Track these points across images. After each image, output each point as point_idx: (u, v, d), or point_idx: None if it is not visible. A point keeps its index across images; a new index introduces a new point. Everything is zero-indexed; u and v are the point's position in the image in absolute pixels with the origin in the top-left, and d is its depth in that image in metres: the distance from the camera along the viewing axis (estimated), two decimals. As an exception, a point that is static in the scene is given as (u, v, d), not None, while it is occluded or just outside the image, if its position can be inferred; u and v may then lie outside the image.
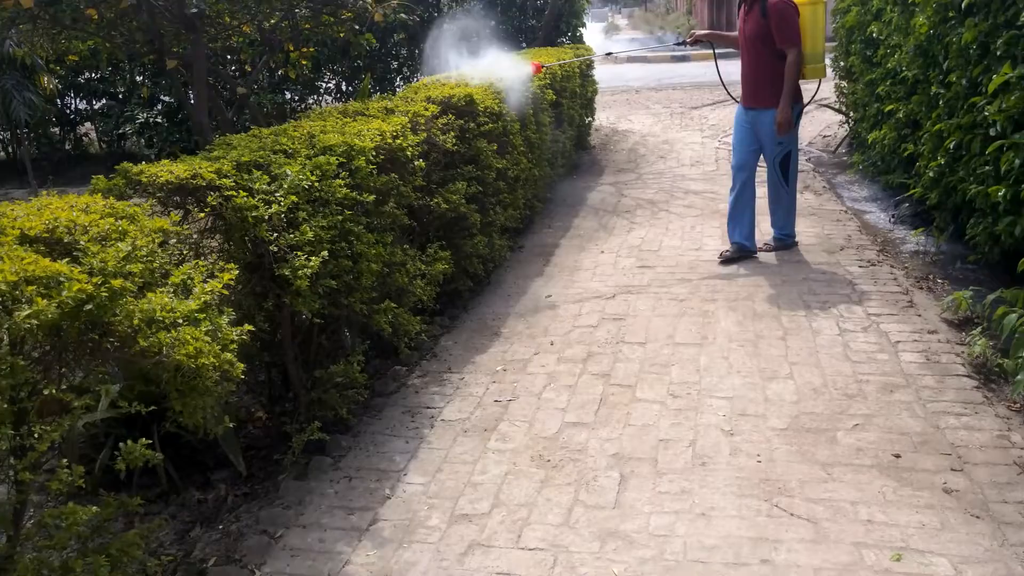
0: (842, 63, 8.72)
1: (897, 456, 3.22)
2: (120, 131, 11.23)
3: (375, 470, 3.37)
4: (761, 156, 5.67)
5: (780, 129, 5.33)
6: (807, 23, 5.24)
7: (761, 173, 5.76)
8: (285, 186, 3.14)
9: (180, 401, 2.30)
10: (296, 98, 10.87)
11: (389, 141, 3.92)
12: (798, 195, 7.09)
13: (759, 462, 3.24)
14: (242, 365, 2.37)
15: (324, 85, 11.22)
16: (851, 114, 8.77)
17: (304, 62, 6.69)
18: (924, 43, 5.37)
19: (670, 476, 3.19)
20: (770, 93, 5.35)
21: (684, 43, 6.00)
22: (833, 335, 4.34)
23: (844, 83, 8.84)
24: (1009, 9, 4.12)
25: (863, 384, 3.80)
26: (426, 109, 4.57)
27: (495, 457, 3.41)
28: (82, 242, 2.13)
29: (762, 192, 5.79)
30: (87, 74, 11.06)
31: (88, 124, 11.79)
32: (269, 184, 3.14)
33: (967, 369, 3.89)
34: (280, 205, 3.05)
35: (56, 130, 11.44)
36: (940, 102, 5.10)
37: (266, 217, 3.00)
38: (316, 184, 3.26)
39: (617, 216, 7.07)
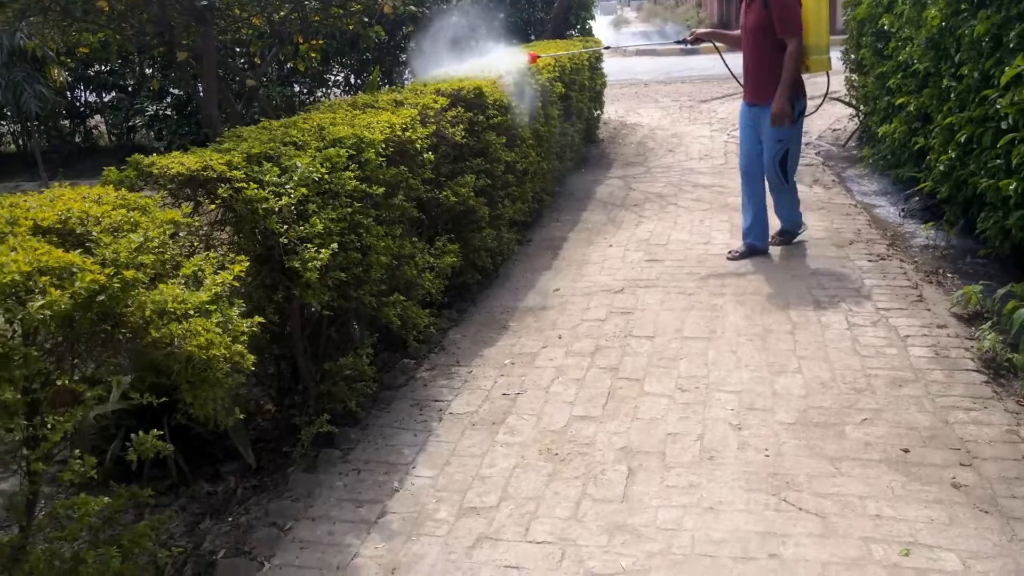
0: (853, 56, 8.69)
1: (906, 451, 3.21)
2: (130, 124, 11.26)
3: (384, 463, 3.38)
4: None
5: (774, 120, 5.17)
6: (810, 13, 5.12)
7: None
8: (295, 178, 3.14)
9: (191, 393, 2.31)
10: (305, 91, 10.88)
11: (399, 134, 3.92)
12: (807, 189, 7.10)
13: (767, 456, 3.24)
14: (252, 357, 2.38)
15: (333, 78, 11.23)
16: (861, 107, 8.74)
17: (313, 55, 6.69)
18: (936, 36, 5.33)
19: (678, 470, 3.19)
20: (773, 88, 5.19)
21: (685, 41, 5.87)
22: (842, 329, 4.33)
23: (855, 76, 8.80)
24: (1022, 1, 4.10)
25: (872, 378, 3.79)
26: (435, 102, 4.57)
27: (503, 450, 3.41)
28: (94, 233, 2.14)
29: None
30: (97, 67, 11.10)
31: (98, 117, 11.83)
32: (279, 176, 3.15)
33: (976, 364, 3.88)
34: (290, 197, 3.06)
35: (66, 123, 11.48)
36: (951, 95, 5.08)
37: (276, 209, 3.01)
38: (326, 176, 3.27)
39: (625, 210, 7.06)
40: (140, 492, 2.38)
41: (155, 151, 3.03)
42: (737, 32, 5.64)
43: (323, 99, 10.61)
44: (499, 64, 5.88)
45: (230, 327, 2.33)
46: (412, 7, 8.64)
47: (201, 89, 5.47)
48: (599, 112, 10.16)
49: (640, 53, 20.16)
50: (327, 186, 3.29)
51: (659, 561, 2.68)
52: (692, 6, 32.81)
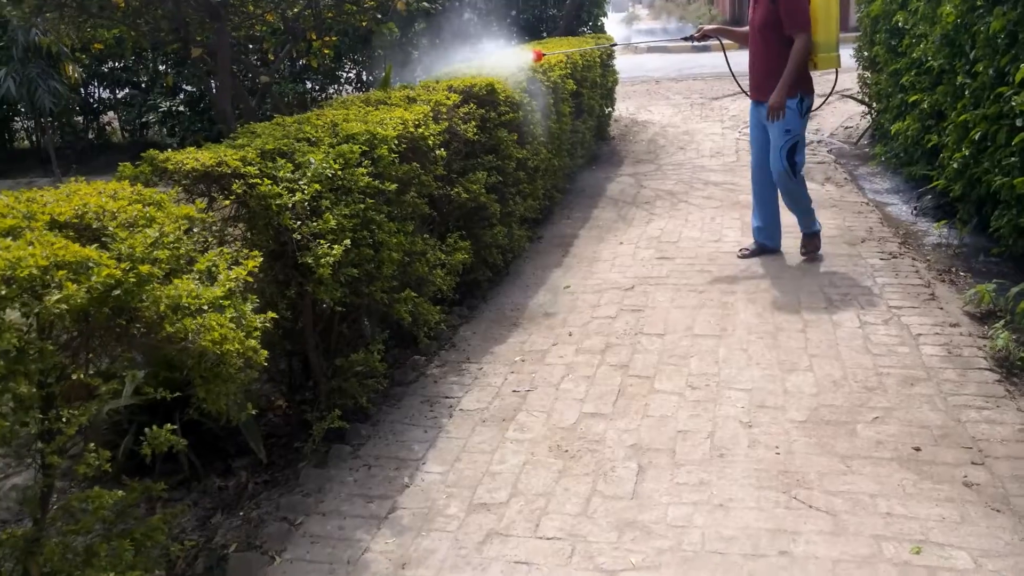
0: (866, 53, 8.64)
1: (917, 449, 3.21)
2: (143, 120, 11.30)
3: (394, 459, 3.40)
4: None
5: (770, 112, 5.10)
6: (819, 10, 5.02)
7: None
8: (309, 174, 3.16)
9: (204, 388, 2.32)
10: (316, 87, 10.90)
11: (411, 130, 3.93)
12: (819, 187, 7.08)
13: (778, 454, 3.23)
14: (265, 352, 2.40)
15: (344, 75, 11.24)
16: (874, 105, 8.69)
17: (326, 51, 6.70)
18: (951, 32, 5.30)
19: (688, 467, 3.19)
20: (776, 84, 5.12)
21: (692, 38, 5.79)
22: (853, 327, 4.32)
23: (867, 73, 8.76)
24: (1038, -1, 4.08)
25: (883, 377, 3.78)
26: (447, 98, 4.58)
27: (513, 447, 3.42)
28: (110, 228, 2.15)
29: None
30: (110, 63, 11.14)
31: (111, 113, 11.88)
32: (293, 172, 3.16)
33: (989, 363, 3.87)
34: (304, 193, 3.08)
35: (79, 119, 11.53)
36: (966, 92, 5.05)
37: (290, 205, 3.02)
38: (339, 172, 3.28)
39: (636, 207, 7.06)
40: (153, 486, 2.39)
41: (168, 147, 3.04)
42: (745, 29, 5.57)
43: (335, 96, 10.63)
44: (510, 61, 5.87)
45: (243, 322, 2.34)
46: (425, 3, 8.64)
47: (215, 85, 5.49)
48: (610, 109, 10.14)
49: (651, 50, 20.10)
50: (340, 182, 3.30)
51: (669, 558, 2.69)
52: (704, 3, 32.68)
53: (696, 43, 5.84)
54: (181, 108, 10.73)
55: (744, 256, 5.51)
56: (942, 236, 5.78)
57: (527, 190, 5.78)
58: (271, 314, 2.50)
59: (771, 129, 5.24)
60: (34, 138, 11.60)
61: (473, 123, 4.71)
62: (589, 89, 8.04)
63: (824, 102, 5.77)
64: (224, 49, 4.88)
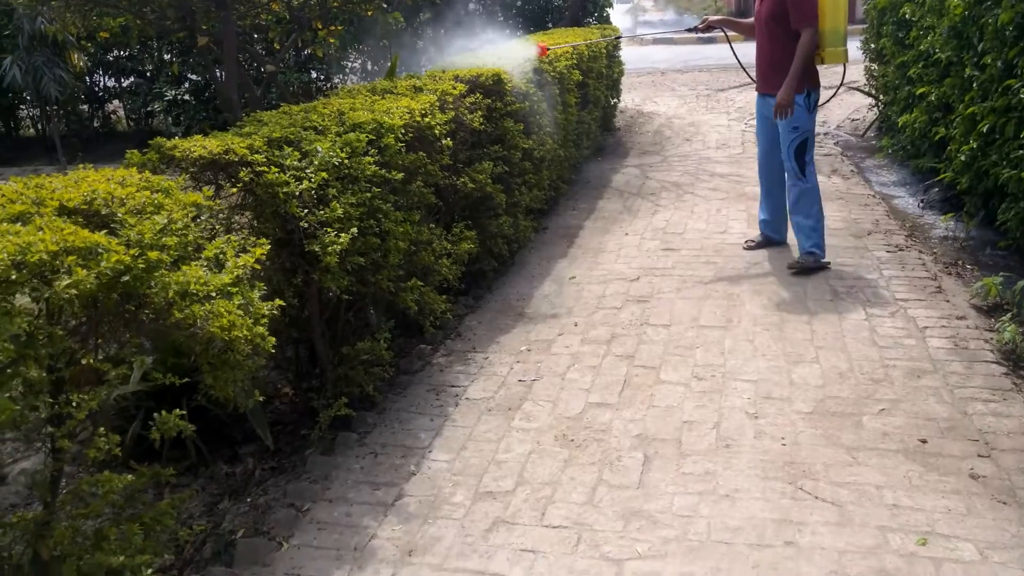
0: (873, 45, 8.60)
1: (923, 441, 3.21)
2: (148, 109, 11.31)
3: (400, 447, 3.40)
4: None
5: (778, 110, 4.95)
6: (827, 2, 4.91)
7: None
8: (315, 162, 3.16)
9: (212, 374, 2.33)
10: (322, 77, 10.89)
11: (418, 119, 3.93)
12: (825, 179, 7.05)
13: (784, 445, 3.24)
14: (273, 339, 2.40)
15: (350, 64, 11.22)
16: (881, 97, 8.66)
17: (332, 40, 6.69)
18: (959, 24, 5.28)
19: (694, 458, 3.19)
20: (784, 78, 4.97)
21: (696, 29, 5.67)
22: (860, 320, 4.32)
23: (874, 65, 8.72)
24: (1048, -10, 4.06)
25: (890, 369, 3.78)
26: (454, 88, 4.57)
27: (519, 436, 3.43)
28: (119, 214, 2.16)
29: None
30: (116, 52, 11.14)
31: (116, 102, 11.89)
32: (300, 160, 3.16)
33: (996, 355, 3.86)
34: (311, 181, 3.08)
35: (85, 107, 11.54)
36: (974, 85, 5.03)
37: (297, 193, 3.03)
38: (346, 161, 3.28)
39: (642, 198, 7.05)
40: (162, 471, 2.40)
41: (173, 136, 3.04)
42: (750, 20, 5.49)
43: (340, 86, 10.61)
44: (516, 52, 5.86)
45: (251, 309, 2.35)
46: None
47: (221, 75, 5.48)
48: (616, 100, 10.12)
49: (657, 41, 20.04)
50: (347, 171, 3.30)
51: (675, 547, 2.69)
52: (710, -6, 32.51)
53: (701, 35, 5.74)
54: (186, 97, 10.73)
55: (750, 248, 5.50)
56: (949, 229, 5.76)
57: (533, 180, 5.78)
58: (278, 301, 2.51)
59: (779, 127, 5.12)
60: (40, 126, 11.61)
61: (479, 113, 4.71)
62: (595, 80, 8.03)
63: (833, 96, 5.72)
64: (230, 38, 4.88)
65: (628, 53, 11.81)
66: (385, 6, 5.52)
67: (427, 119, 4.01)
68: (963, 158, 5.22)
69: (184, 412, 2.30)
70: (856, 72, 9.67)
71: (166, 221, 2.20)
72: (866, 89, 9.34)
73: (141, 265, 2.00)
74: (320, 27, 5.98)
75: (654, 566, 2.61)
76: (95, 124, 11.72)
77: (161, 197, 2.34)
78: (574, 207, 6.90)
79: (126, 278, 1.98)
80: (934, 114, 6.12)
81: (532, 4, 11.18)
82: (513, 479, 3.13)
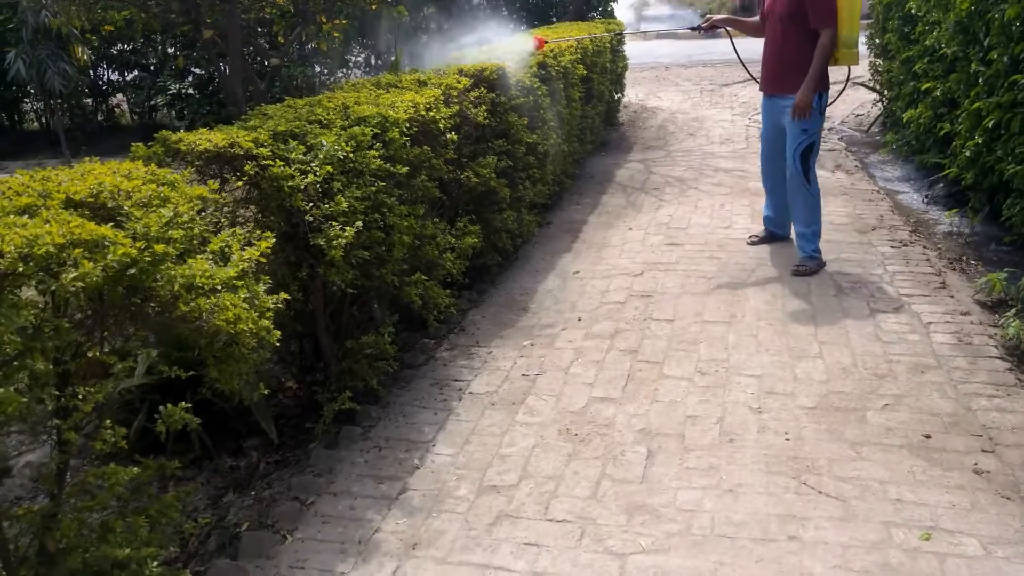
0: (878, 40, 8.58)
1: (927, 437, 3.20)
2: (152, 102, 11.31)
3: (404, 440, 3.41)
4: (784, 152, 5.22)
5: (796, 112, 4.84)
6: (843, 4, 4.79)
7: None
8: (321, 156, 3.16)
9: (217, 367, 2.33)
10: (325, 71, 10.88)
11: (423, 113, 3.93)
12: (829, 175, 7.04)
13: (787, 440, 3.24)
14: (278, 332, 2.40)
15: (353, 58, 11.22)
16: (886, 92, 8.64)
17: (336, 35, 6.69)
18: (965, 19, 5.26)
19: (698, 452, 3.19)
20: (798, 78, 4.87)
21: (699, 28, 5.56)
22: (863, 315, 4.31)
23: (879, 61, 8.70)
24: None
25: (894, 364, 3.78)
26: (458, 82, 4.57)
27: (523, 430, 3.43)
28: (125, 207, 2.16)
29: None
30: (120, 45, 11.14)
31: (120, 95, 11.89)
32: (305, 154, 3.16)
33: (1000, 351, 3.86)
34: (316, 175, 3.08)
35: (89, 101, 11.55)
36: (980, 80, 5.01)
37: (301, 187, 3.03)
38: (351, 155, 3.28)
39: (645, 193, 7.04)
40: (167, 464, 2.41)
41: (176, 130, 3.04)
42: (755, 19, 5.37)
43: (344, 80, 10.61)
44: (520, 46, 5.85)
45: (256, 303, 2.34)
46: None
47: (225, 68, 5.48)
48: (620, 95, 10.11)
49: (661, 36, 20.01)
50: (352, 165, 3.30)
51: (678, 541, 2.70)
52: (714, -11, 32.42)
53: (704, 33, 5.63)
54: (190, 91, 10.73)
55: (753, 243, 5.49)
56: (953, 224, 5.75)
57: (537, 175, 5.77)
58: (283, 295, 2.51)
59: (788, 128, 5.01)
60: (44, 120, 11.62)
61: (484, 107, 4.70)
62: (599, 74, 8.01)
63: (840, 93, 5.68)
64: (235, 31, 4.88)
65: (632, 48, 11.78)
66: (389, 0, 5.51)
67: (432, 113, 4.00)
68: (968, 154, 5.21)
69: (189, 405, 2.30)
70: (861, 67, 9.65)
71: (172, 214, 2.20)
72: (871, 84, 9.32)
73: (147, 258, 2.00)
74: (324, 21, 5.98)
75: (658, 560, 2.62)
76: (99, 118, 11.73)
77: (167, 190, 2.34)
78: (578, 202, 6.90)
79: (132, 271, 1.98)
80: (939, 109, 6.11)
81: (536, -2, 11.17)
82: (517, 473, 3.13)
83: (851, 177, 7.15)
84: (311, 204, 3.07)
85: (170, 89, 10.61)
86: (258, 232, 2.78)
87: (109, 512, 2.27)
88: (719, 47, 16.72)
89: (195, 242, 2.30)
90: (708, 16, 5.61)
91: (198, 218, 2.39)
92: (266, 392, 2.83)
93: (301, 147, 3.18)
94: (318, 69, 10.72)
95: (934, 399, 3.47)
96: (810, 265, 4.96)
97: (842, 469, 3.03)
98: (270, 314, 2.38)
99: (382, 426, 3.52)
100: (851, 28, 4.85)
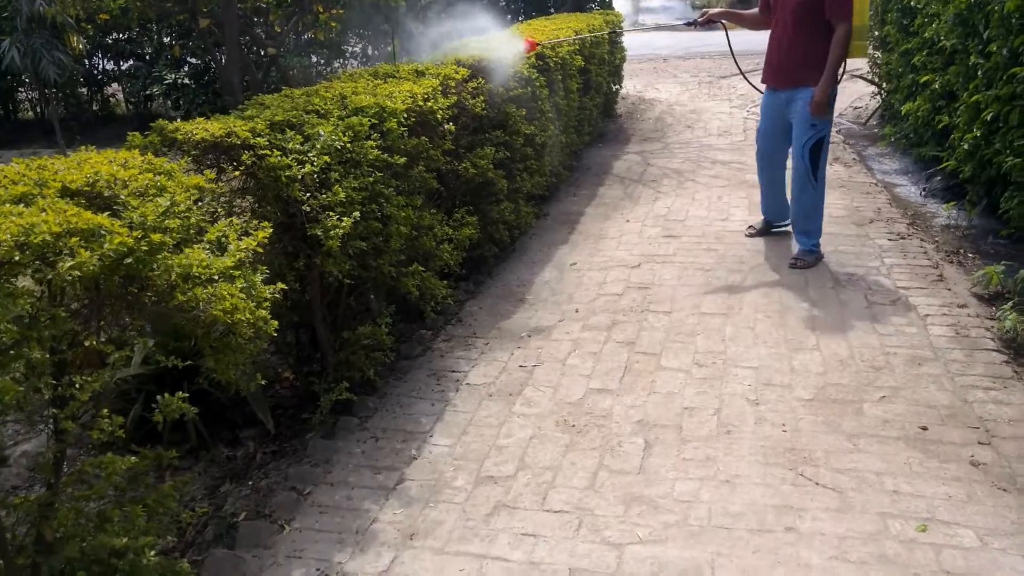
0: (876, 33, 8.57)
1: (924, 428, 3.21)
2: (147, 92, 11.26)
3: (401, 431, 3.41)
4: (785, 147, 5.18)
5: (815, 108, 4.72)
6: None
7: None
8: (318, 146, 3.14)
9: (214, 357, 2.32)
10: (322, 61, 10.83)
11: (420, 104, 3.91)
12: (828, 167, 7.01)
13: (784, 431, 3.24)
14: (275, 322, 2.40)
15: (350, 49, 11.17)
16: (884, 85, 8.64)
17: (333, 24, 6.66)
18: (964, 11, 5.25)
19: (695, 443, 3.20)
20: (810, 72, 4.74)
21: (695, 23, 5.44)
22: (861, 307, 4.32)
23: (878, 53, 8.69)
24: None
25: (891, 356, 3.78)
26: (456, 72, 4.55)
27: (520, 421, 3.43)
28: (122, 196, 2.15)
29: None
30: (115, 34, 11.08)
31: (115, 85, 11.83)
32: (302, 144, 3.15)
33: (997, 344, 3.86)
34: (313, 165, 3.06)
35: (84, 90, 11.49)
36: (979, 73, 5.01)
37: (299, 177, 3.01)
38: (348, 145, 3.27)
39: (643, 185, 7.03)
40: (164, 453, 2.40)
41: (172, 120, 3.02)
42: (753, 11, 5.29)
43: (340, 70, 10.56)
44: (515, 39, 5.83)
45: (253, 293, 2.34)
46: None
47: (221, 57, 5.45)
48: (618, 87, 10.09)
49: (659, 28, 19.96)
50: (349, 155, 3.29)
51: (675, 532, 2.70)
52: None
53: (700, 28, 5.46)
54: (186, 80, 10.68)
55: (751, 235, 5.48)
56: (951, 217, 5.76)
57: (534, 166, 5.76)
58: (280, 285, 2.50)
59: (797, 123, 4.88)
60: (38, 109, 11.56)
61: (482, 98, 4.69)
62: (597, 66, 7.99)
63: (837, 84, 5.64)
64: (231, 20, 4.85)
65: (630, 39, 11.75)
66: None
67: (429, 103, 3.99)
68: (966, 146, 5.21)
69: (186, 395, 2.30)
70: (859, 60, 9.63)
71: (169, 204, 2.19)
72: (869, 77, 9.30)
73: (144, 247, 1.99)
74: (321, 10, 5.95)
75: (655, 551, 2.62)
76: (94, 107, 11.67)
77: (164, 179, 2.33)
78: (575, 193, 6.89)
79: (129, 260, 1.97)
80: (938, 102, 6.11)
81: (534, -11, 11.13)
82: (514, 464, 3.13)
83: (849, 170, 7.14)
84: (308, 194, 3.06)
85: (166, 79, 10.56)
86: (255, 222, 2.78)
87: (106, 501, 2.27)
88: (717, 39, 16.69)
89: (192, 232, 2.29)
90: (705, 10, 5.50)
91: (195, 208, 2.38)
92: (263, 382, 2.83)
93: (298, 137, 3.17)
94: (315, 59, 10.67)
95: (931, 391, 3.48)
96: (808, 259, 4.95)
97: (839, 461, 3.03)
98: (267, 304, 2.38)
99: (379, 417, 3.52)
100: (862, 20, 4.72)
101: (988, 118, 4.79)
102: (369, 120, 3.45)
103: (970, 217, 5.55)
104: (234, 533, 2.80)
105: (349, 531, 2.80)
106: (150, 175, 2.32)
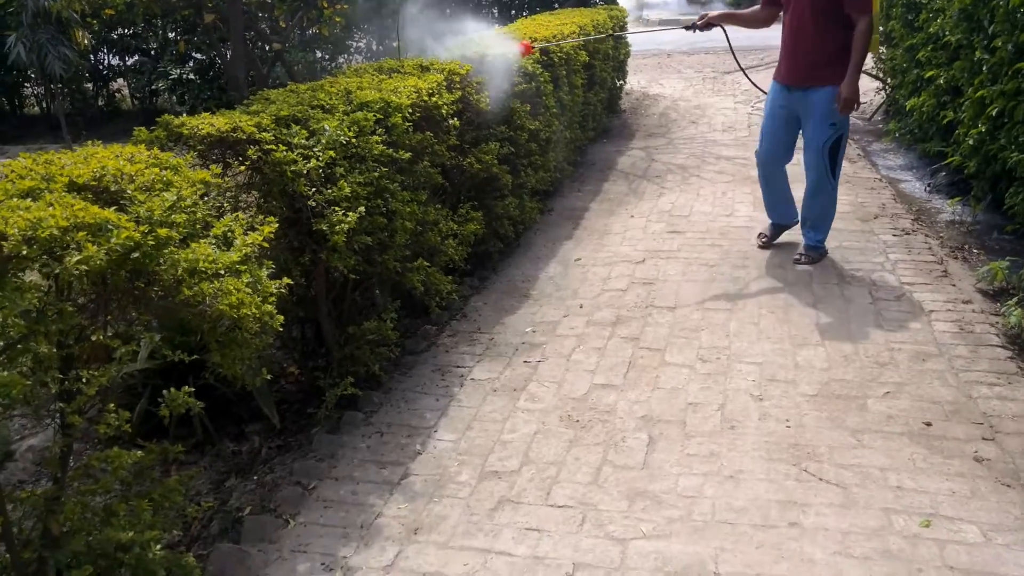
0: (881, 28, 8.54)
1: (928, 424, 3.21)
2: (152, 87, 11.28)
3: (406, 426, 3.42)
4: (789, 150, 5.01)
5: (846, 105, 4.55)
6: None
7: (793, 169, 5.13)
8: (323, 141, 3.15)
9: (220, 352, 2.33)
10: (327, 57, 10.84)
11: (425, 99, 3.92)
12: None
13: (788, 427, 3.24)
14: (281, 317, 2.40)
15: (355, 44, 11.17)
16: (888, 80, 8.62)
17: (338, 19, 6.66)
18: (969, 7, 5.24)
19: (699, 439, 3.20)
20: (829, 69, 4.57)
21: (694, 27, 5.22)
22: (865, 303, 4.32)
23: (883, 48, 8.67)
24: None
25: (895, 352, 3.78)
26: (461, 67, 4.55)
27: (524, 416, 3.44)
28: (129, 191, 2.16)
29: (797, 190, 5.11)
30: (120, 30, 11.10)
31: (120, 80, 11.85)
32: (307, 139, 3.15)
33: (1001, 340, 3.86)
34: (318, 160, 3.07)
35: (89, 86, 11.51)
36: (984, 68, 4.99)
37: (304, 172, 3.02)
38: (353, 140, 3.27)
39: (647, 181, 7.03)
40: (170, 448, 2.41)
41: (178, 115, 3.03)
42: (752, 11, 5.15)
43: (345, 65, 10.57)
44: (516, 36, 5.82)
45: (259, 288, 2.34)
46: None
47: (227, 52, 5.46)
48: (622, 82, 10.06)
49: (663, 23, 19.92)
50: (354, 150, 3.30)
51: (679, 527, 2.71)
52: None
53: (699, 31, 5.29)
54: (191, 76, 10.69)
55: (764, 245, 5.20)
56: (956, 213, 5.75)
57: (539, 162, 5.76)
58: (286, 280, 2.51)
59: (814, 122, 4.72)
60: (44, 104, 11.59)
61: (486, 93, 4.68)
62: (601, 61, 7.98)
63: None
64: (236, 16, 4.86)
65: (634, 34, 11.72)
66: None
67: (434, 99, 3.99)
68: (971, 142, 5.20)
69: (192, 390, 2.31)
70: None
71: (175, 198, 2.20)
72: (873, 72, 9.28)
73: (151, 242, 2.00)
74: (326, 5, 5.96)
75: (659, 546, 2.63)
76: (99, 102, 11.70)
77: (170, 174, 2.34)
78: (580, 189, 6.89)
79: (136, 255, 1.98)
80: (942, 97, 6.09)
81: (538, -16, 11.11)
82: (518, 459, 3.14)
83: (853, 165, 7.13)
84: (313, 189, 3.07)
85: (171, 74, 10.57)
86: (260, 217, 2.78)
87: (112, 496, 2.28)
88: (721, 34, 16.67)
89: (198, 226, 2.30)
90: (704, 14, 5.33)
91: (201, 202, 2.38)
92: (268, 377, 2.84)
93: (304, 132, 3.17)
94: (319, 54, 10.68)
95: (935, 387, 3.48)
96: (813, 255, 4.93)
97: (843, 456, 3.04)
98: (273, 299, 2.38)
99: (384, 412, 3.53)
100: (877, 13, 4.58)
101: (993, 113, 4.78)
102: (374, 115, 3.45)
103: (975, 213, 5.54)
104: (239, 527, 2.81)
105: (354, 525, 2.81)
106: (156, 170, 2.32)
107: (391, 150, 3.47)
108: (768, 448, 3.11)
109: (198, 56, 10.69)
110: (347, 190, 3.12)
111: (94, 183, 2.13)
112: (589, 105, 7.65)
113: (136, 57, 11.39)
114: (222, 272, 2.19)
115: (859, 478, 2.90)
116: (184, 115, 3.04)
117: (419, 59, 4.68)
